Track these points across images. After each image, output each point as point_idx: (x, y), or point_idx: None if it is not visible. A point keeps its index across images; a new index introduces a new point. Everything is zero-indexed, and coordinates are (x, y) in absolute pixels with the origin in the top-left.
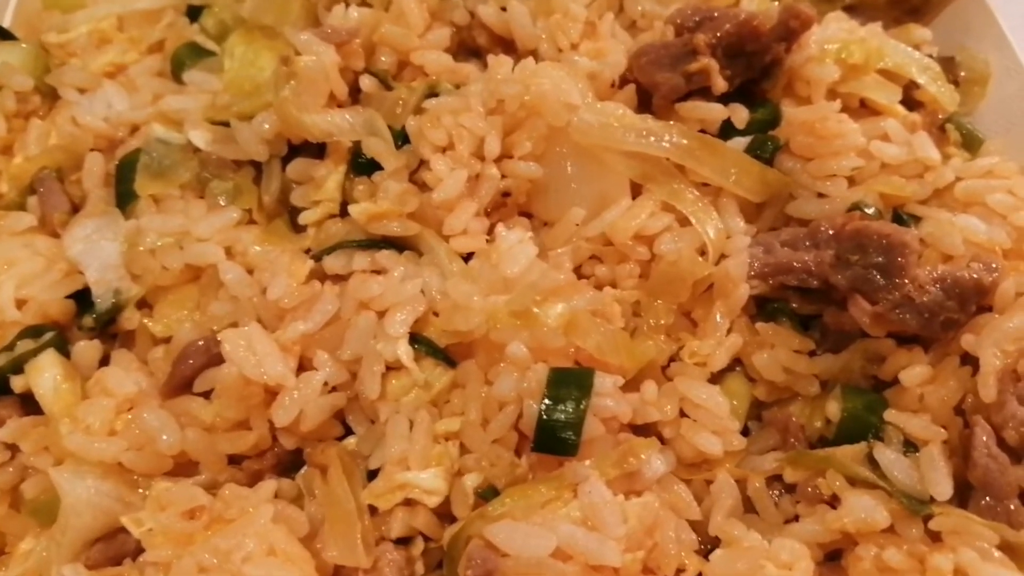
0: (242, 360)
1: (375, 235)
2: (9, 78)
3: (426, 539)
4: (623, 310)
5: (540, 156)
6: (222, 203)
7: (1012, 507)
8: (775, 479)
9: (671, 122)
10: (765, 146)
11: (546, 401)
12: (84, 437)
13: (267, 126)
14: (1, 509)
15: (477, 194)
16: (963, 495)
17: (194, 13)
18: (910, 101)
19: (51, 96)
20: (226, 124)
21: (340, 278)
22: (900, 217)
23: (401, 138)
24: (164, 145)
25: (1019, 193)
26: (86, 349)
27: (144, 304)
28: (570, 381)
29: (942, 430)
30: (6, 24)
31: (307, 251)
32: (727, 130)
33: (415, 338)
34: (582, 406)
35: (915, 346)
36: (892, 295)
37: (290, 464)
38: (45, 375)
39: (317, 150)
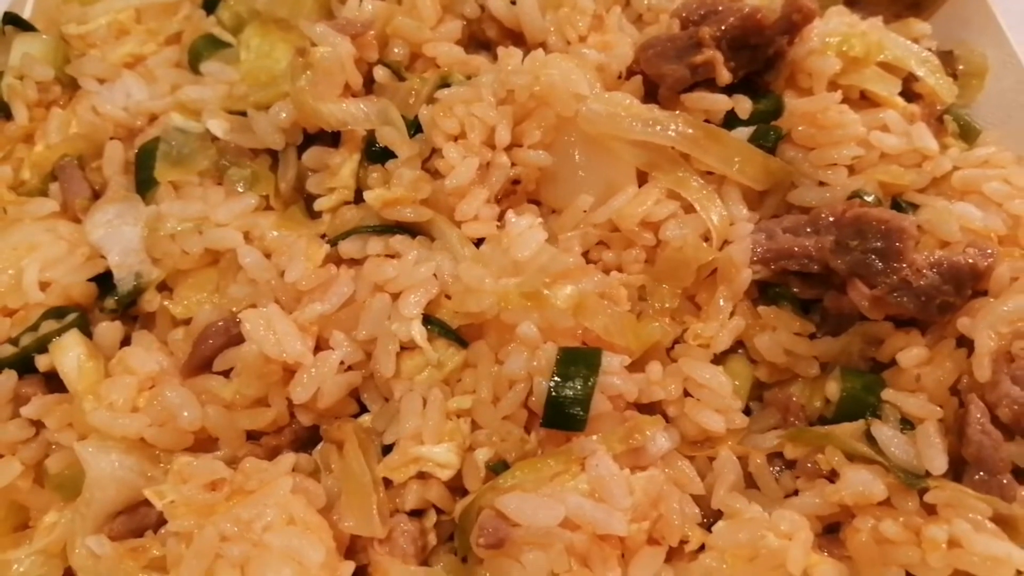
0: (262, 339)
1: (389, 221)
2: (30, 68)
3: (438, 511)
4: (629, 294)
5: (549, 145)
6: (240, 190)
7: (1004, 481)
8: (775, 456)
9: (677, 112)
10: (768, 136)
11: (555, 379)
12: (108, 413)
13: (284, 115)
14: (25, 484)
15: (488, 181)
16: (957, 470)
17: (210, 6)
18: (909, 93)
19: (71, 86)
20: (243, 114)
21: (355, 262)
22: (899, 205)
23: (414, 127)
24: (182, 134)
25: (1014, 182)
26: (108, 330)
27: (164, 287)
28: (579, 360)
29: (938, 409)
30: (26, 16)
31: (322, 236)
32: (731, 120)
33: (428, 319)
34: (590, 383)
35: (912, 329)
36: (890, 279)
37: (307, 440)
38: (69, 354)
39: (332, 139)
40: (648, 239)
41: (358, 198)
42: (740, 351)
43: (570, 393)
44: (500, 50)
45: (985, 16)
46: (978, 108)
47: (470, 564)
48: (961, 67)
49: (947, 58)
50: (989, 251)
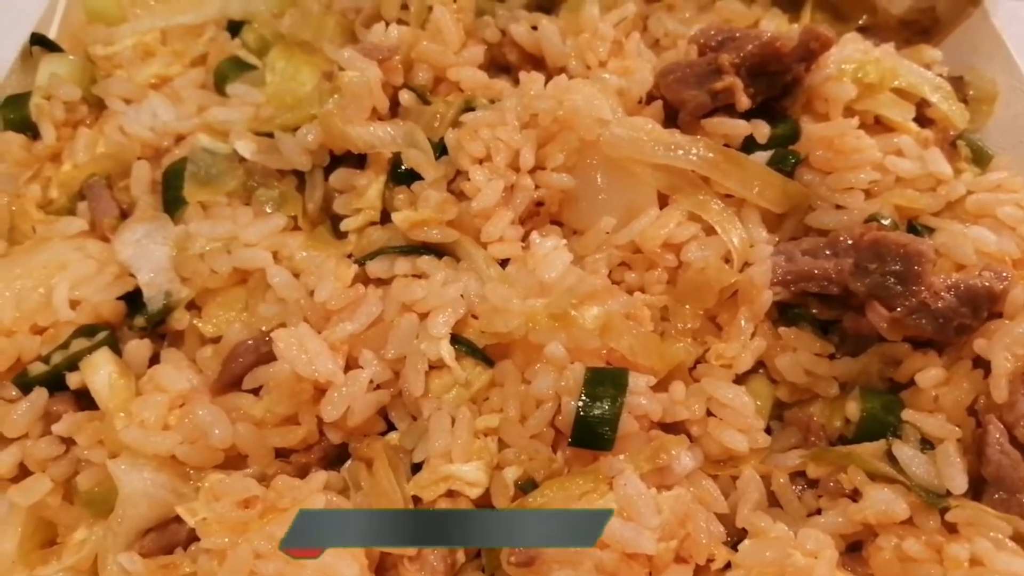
0: (294, 358)
1: (415, 241)
2: (57, 88)
3: None
4: (652, 315)
5: (572, 168)
6: (268, 210)
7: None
8: (798, 475)
9: (697, 136)
10: (786, 160)
11: (584, 398)
12: (139, 431)
13: (311, 137)
14: (55, 500)
15: (512, 203)
16: (977, 489)
17: (235, 28)
18: (922, 118)
19: (97, 106)
20: (269, 135)
21: (382, 282)
22: (914, 228)
23: (439, 150)
24: (210, 154)
25: None
26: (137, 348)
27: (192, 305)
28: (606, 380)
29: (957, 429)
30: (52, 36)
31: (349, 256)
32: (750, 145)
33: (455, 339)
34: (618, 403)
35: (930, 350)
36: (908, 301)
37: (335, 458)
38: (100, 372)
39: (358, 161)
40: (670, 260)
41: (384, 219)
42: (761, 371)
43: (598, 413)
44: (522, 75)
45: (994, 42)
46: (988, 133)
47: None
48: (971, 92)
49: (957, 84)
50: (1005, 274)
